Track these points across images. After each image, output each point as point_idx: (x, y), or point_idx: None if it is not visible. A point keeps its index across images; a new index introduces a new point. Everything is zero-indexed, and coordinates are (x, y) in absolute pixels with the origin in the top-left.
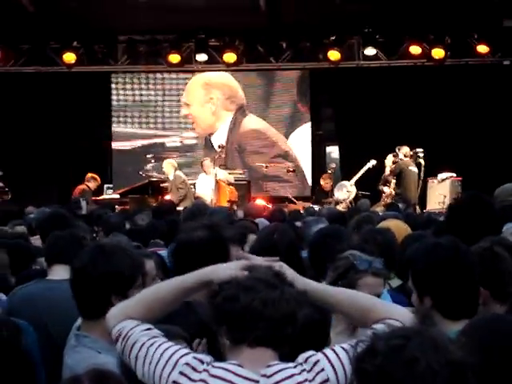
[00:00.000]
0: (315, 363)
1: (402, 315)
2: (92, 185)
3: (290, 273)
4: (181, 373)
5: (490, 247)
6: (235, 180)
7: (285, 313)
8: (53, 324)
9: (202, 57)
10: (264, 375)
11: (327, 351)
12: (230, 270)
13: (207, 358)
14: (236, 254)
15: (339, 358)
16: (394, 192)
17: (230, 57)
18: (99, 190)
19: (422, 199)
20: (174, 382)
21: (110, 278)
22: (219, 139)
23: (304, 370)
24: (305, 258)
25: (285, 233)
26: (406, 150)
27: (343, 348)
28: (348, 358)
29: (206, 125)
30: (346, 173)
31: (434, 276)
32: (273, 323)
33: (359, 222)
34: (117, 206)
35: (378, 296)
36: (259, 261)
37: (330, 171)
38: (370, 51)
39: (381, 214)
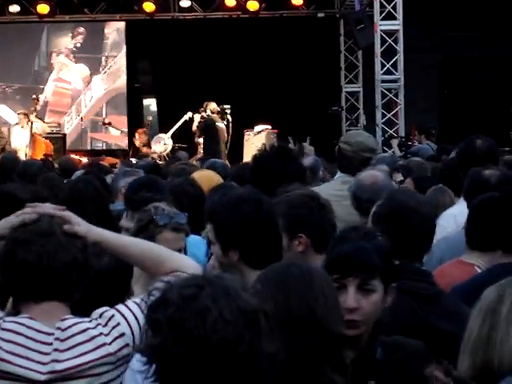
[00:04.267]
0: (110, 318)
1: (193, 268)
2: None
3: (81, 224)
4: None
5: (317, 198)
6: (50, 134)
7: (65, 261)
8: None
9: (14, 8)
10: (59, 328)
11: (120, 307)
12: (13, 220)
13: (0, 313)
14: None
15: (132, 313)
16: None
17: (43, 8)
18: None
19: (239, 151)
20: None
21: None
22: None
23: (99, 324)
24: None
25: (89, 184)
26: (213, 106)
27: (135, 302)
28: (141, 311)
29: None
30: (163, 125)
31: (239, 230)
32: (53, 274)
33: (176, 173)
34: None
35: (179, 251)
36: (46, 208)
37: (147, 124)
38: (185, 3)
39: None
